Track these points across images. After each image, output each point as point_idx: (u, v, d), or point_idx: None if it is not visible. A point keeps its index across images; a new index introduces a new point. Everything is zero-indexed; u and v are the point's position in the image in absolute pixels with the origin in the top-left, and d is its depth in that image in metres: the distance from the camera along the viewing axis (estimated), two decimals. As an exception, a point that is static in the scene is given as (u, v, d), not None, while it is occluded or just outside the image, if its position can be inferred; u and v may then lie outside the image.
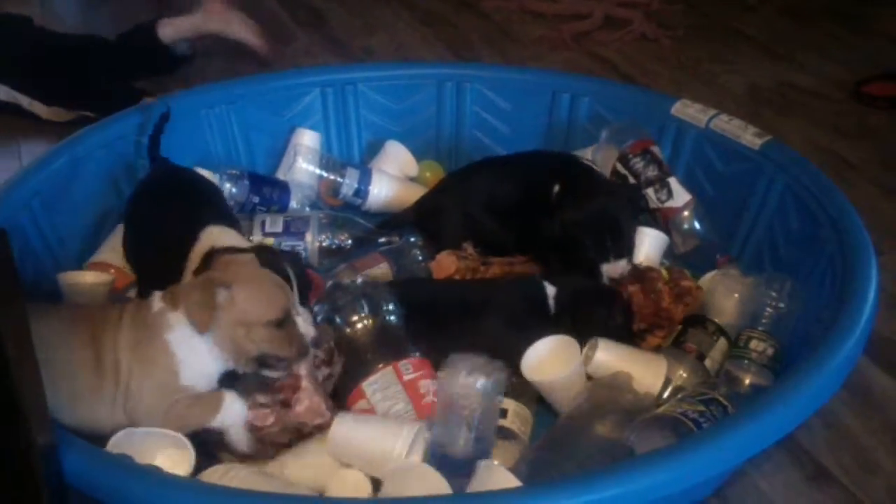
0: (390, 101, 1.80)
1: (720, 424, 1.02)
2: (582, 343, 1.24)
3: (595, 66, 2.39)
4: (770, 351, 1.24)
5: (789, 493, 1.17)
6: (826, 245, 1.30)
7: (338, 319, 1.23)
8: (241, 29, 2.20)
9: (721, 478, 1.14)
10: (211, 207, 1.37)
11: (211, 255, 1.18)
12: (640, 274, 1.35)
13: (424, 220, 1.56)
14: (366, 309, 1.23)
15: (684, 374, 1.24)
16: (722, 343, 1.27)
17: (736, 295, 1.32)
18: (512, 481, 0.99)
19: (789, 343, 1.26)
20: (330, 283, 1.36)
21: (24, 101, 2.03)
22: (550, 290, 1.31)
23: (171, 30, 2.10)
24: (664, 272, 1.36)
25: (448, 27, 2.61)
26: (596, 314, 1.28)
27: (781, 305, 1.27)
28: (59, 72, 2.03)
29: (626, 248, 1.37)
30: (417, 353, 1.22)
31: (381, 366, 1.18)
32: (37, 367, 0.85)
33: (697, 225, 1.49)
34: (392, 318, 1.24)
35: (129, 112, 1.63)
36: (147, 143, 1.50)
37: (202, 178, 1.50)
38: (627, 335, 1.30)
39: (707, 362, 1.25)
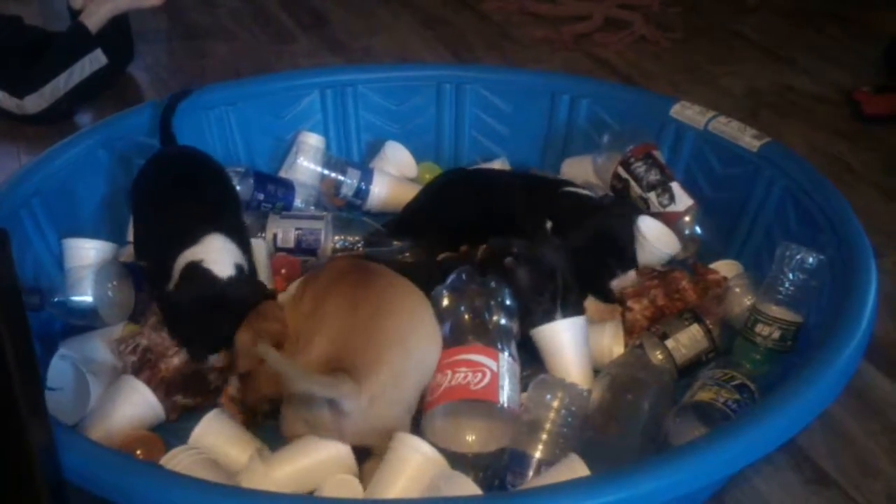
0: (390, 102, 1.80)
1: (718, 432, 1.01)
2: None
3: (595, 67, 2.39)
4: (777, 334, 1.23)
5: (788, 497, 1.17)
6: (825, 249, 1.29)
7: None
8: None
9: (718, 484, 1.14)
10: (218, 207, 1.35)
11: (191, 268, 1.21)
12: (663, 276, 1.36)
13: (405, 235, 1.54)
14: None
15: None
16: (694, 329, 1.27)
17: (738, 310, 1.32)
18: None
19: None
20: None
21: (8, 102, 2.02)
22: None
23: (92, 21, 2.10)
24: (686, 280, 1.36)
25: (448, 28, 2.61)
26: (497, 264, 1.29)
27: (792, 289, 1.25)
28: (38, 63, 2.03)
29: (628, 261, 1.40)
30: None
31: None
32: (35, 366, 0.85)
33: (698, 229, 1.49)
34: None
35: (131, 111, 1.64)
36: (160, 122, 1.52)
37: (214, 169, 1.45)
38: (533, 289, 1.28)
39: (669, 343, 1.26)
